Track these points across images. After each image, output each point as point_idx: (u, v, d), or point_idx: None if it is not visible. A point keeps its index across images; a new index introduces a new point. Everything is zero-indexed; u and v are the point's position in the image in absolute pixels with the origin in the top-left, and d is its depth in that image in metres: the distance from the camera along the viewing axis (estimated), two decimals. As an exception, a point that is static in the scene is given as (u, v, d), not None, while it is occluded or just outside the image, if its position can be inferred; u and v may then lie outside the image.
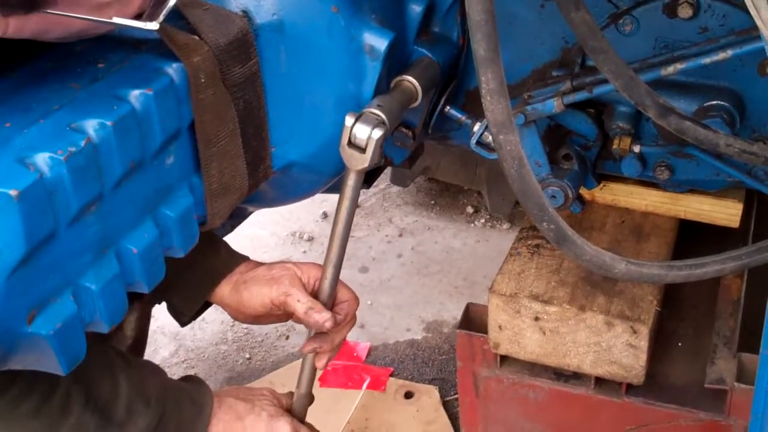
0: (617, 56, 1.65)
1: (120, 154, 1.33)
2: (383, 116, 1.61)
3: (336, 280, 1.76)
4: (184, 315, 1.86)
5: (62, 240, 1.26)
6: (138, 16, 1.28)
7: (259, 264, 1.85)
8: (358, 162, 1.61)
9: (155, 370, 1.73)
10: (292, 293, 1.73)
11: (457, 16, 1.96)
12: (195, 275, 1.81)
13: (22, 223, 1.17)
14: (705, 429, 2.11)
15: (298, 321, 1.77)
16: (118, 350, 1.68)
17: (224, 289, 1.81)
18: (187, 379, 1.83)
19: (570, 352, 2.11)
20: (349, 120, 1.60)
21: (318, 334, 1.77)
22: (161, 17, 1.28)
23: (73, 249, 1.29)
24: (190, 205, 1.53)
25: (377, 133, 1.59)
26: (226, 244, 1.89)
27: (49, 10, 1.18)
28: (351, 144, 1.60)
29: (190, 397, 1.71)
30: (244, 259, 1.86)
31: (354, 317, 1.83)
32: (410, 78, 1.79)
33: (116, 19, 1.24)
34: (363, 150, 1.60)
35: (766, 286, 1.74)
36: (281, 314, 1.80)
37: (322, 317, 1.70)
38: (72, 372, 1.43)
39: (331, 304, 1.77)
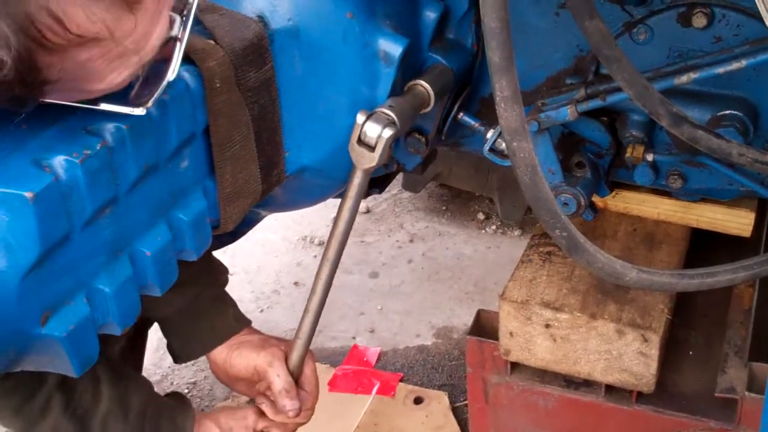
0: (631, 65, 1.65)
1: (135, 157, 1.33)
2: (394, 116, 1.62)
3: (309, 340, 1.84)
4: (180, 359, 1.97)
5: (76, 242, 1.26)
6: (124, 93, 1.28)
7: (257, 331, 1.96)
8: (366, 161, 1.62)
9: (141, 386, 1.78)
10: (275, 366, 1.83)
11: (472, 23, 1.97)
12: (201, 331, 1.91)
13: (37, 225, 1.18)
14: (715, 438, 2.11)
15: (268, 398, 1.86)
16: (109, 363, 1.72)
17: (220, 348, 1.91)
18: (174, 395, 1.88)
19: (581, 360, 2.10)
20: (360, 117, 1.60)
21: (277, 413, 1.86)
22: (150, 103, 1.29)
23: (87, 251, 1.29)
24: (204, 209, 1.53)
25: (387, 133, 1.59)
26: (235, 307, 1.98)
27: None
28: (360, 142, 1.61)
29: (171, 417, 1.77)
30: (248, 324, 1.96)
31: (312, 411, 1.91)
32: (423, 83, 1.79)
33: (103, 105, 1.25)
34: (372, 149, 1.61)
35: (778, 296, 1.74)
36: (257, 386, 1.89)
37: (291, 405, 1.82)
38: (58, 378, 1.45)
39: (299, 372, 1.86)
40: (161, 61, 1.28)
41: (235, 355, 1.88)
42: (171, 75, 1.29)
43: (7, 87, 1.09)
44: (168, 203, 1.46)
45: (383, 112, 1.62)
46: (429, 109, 1.82)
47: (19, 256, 1.18)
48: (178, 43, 1.27)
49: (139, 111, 1.28)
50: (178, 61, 1.28)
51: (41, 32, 1.07)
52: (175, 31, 1.26)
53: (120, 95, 1.26)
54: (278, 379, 1.82)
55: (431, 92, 1.80)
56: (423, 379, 3.18)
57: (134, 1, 1.13)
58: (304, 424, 1.92)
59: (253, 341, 1.90)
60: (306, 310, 1.80)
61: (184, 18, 1.27)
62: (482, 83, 2.08)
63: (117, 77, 1.20)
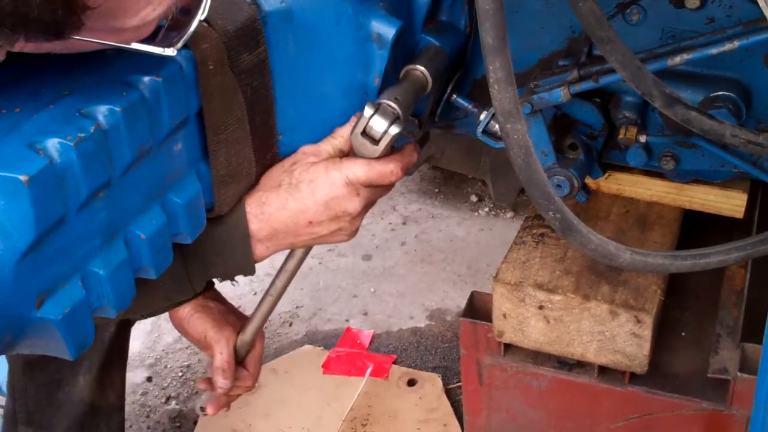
0: (624, 46, 1.64)
1: (129, 140, 1.33)
2: (400, 111, 1.63)
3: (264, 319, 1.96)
4: None
5: (71, 225, 1.26)
6: (153, 36, 1.29)
7: (222, 301, 2.07)
8: (368, 152, 1.63)
9: None
10: (221, 344, 1.95)
11: (465, 4, 1.96)
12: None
13: (32, 208, 1.18)
14: (707, 418, 2.12)
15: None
16: None
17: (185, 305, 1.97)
18: None
19: (574, 341, 2.11)
20: (368, 111, 1.61)
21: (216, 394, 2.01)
22: (180, 44, 1.30)
23: (82, 234, 1.29)
24: (198, 192, 1.53)
25: (394, 130, 1.61)
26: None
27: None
28: (365, 134, 1.62)
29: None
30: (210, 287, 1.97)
31: (248, 389, 2.07)
32: (420, 68, 1.79)
33: (135, 45, 1.25)
34: (376, 142, 1.62)
35: (770, 277, 1.74)
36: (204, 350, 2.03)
37: (223, 383, 1.96)
38: None
39: (247, 350, 2.00)
40: (185, 10, 1.29)
41: (196, 317, 1.98)
42: (202, 14, 1.30)
43: (51, 4, 1.08)
44: (162, 186, 1.46)
45: (390, 106, 1.63)
46: (426, 93, 1.82)
47: (15, 239, 1.18)
48: None
49: (170, 51, 1.28)
50: (208, 1, 1.30)
51: None
52: None
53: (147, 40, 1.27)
54: (219, 356, 1.94)
55: (429, 77, 1.80)
56: (416, 361, 3.19)
57: None
58: (237, 397, 2.08)
59: (214, 312, 2.00)
60: (268, 293, 1.90)
61: None
62: (475, 65, 2.07)
63: (151, 13, 1.20)
